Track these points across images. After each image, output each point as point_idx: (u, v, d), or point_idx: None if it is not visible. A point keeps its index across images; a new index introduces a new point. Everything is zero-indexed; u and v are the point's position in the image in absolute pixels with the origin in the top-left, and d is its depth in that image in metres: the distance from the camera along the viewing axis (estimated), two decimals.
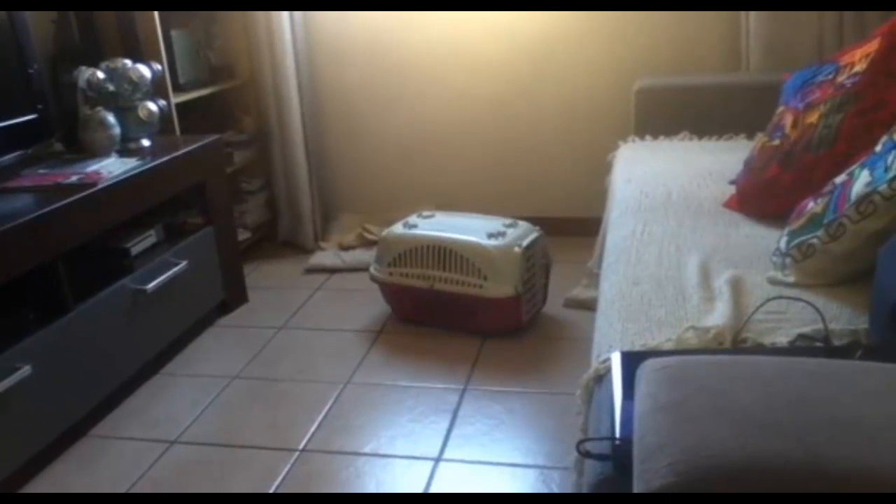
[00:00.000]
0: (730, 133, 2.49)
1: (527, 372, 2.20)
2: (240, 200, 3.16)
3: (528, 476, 1.76)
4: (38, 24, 2.36)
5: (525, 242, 2.35)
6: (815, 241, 1.39)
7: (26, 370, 1.77)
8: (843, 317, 1.27)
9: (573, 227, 3.12)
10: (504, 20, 3.03)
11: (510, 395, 2.09)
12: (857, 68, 1.65)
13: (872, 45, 1.65)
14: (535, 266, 2.40)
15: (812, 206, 1.46)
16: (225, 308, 2.67)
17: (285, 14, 3.00)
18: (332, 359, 2.35)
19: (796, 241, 1.43)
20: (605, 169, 2.55)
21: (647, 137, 2.57)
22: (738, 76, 2.73)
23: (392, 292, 2.53)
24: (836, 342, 1.18)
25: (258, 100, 3.18)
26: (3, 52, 2.10)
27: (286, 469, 1.84)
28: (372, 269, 2.54)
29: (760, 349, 1.19)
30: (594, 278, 2.43)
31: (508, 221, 2.47)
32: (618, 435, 0.99)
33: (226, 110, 3.19)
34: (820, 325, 1.21)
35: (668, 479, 0.69)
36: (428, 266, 2.39)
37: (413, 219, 2.57)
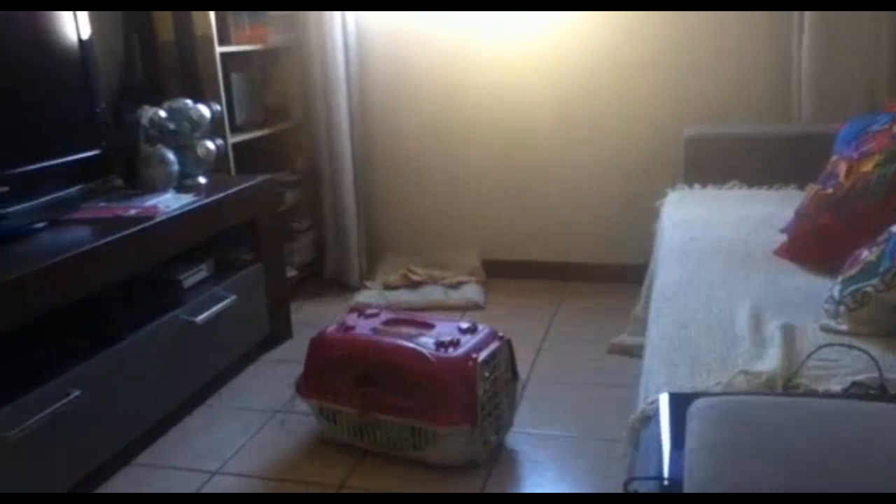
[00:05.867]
0: (780, 183, 2.47)
1: (570, 417, 2.17)
2: (289, 239, 3.22)
3: None
4: (106, 65, 2.47)
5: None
6: (869, 289, 1.36)
7: (76, 395, 1.80)
8: None
9: (618, 274, 3.10)
10: (555, 64, 3.07)
11: (552, 438, 2.07)
12: None
13: None
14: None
15: (866, 254, 1.44)
16: (270, 343, 2.70)
17: (340, 57, 3.08)
18: None
19: (850, 289, 1.41)
20: (651, 216, 2.54)
21: (696, 185, 2.56)
22: (789, 126, 2.72)
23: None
24: (893, 391, 1.15)
25: (311, 142, 3.25)
26: (74, 92, 2.20)
27: None
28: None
29: (813, 395, 1.16)
30: (640, 324, 2.40)
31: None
32: (666, 475, 0.98)
33: (279, 151, 3.27)
34: (875, 374, 1.19)
35: None
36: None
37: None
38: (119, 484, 1.96)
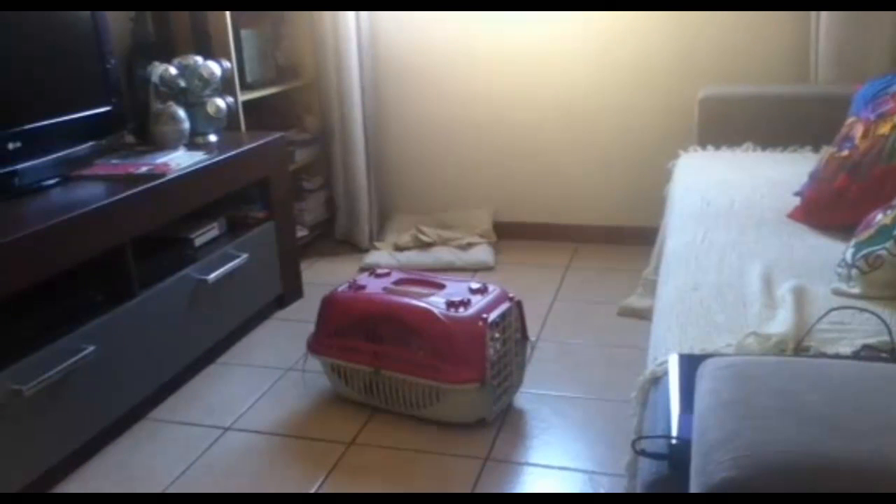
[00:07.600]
0: (795, 145, 2.44)
1: (579, 378, 2.19)
2: (300, 198, 3.22)
3: (576, 480, 1.76)
4: (117, 22, 2.45)
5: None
6: (883, 252, 1.36)
7: (91, 351, 1.83)
8: None
9: (630, 236, 3.09)
10: (567, 27, 3.02)
11: (561, 399, 2.08)
12: None
13: None
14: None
15: (881, 217, 1.43)
16: (281, 302, 2.72)
17: (351, 17, 3.05)
18: None
19: (863, 251, 1.40)
20: (664, 178, 2.53)
21: (710, 147, 2.54)
22: (805, 87, 2.68)
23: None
24: None
25: (321, 100, 3.23)
26: (85, 48, 2.18)
27: (336, 459, 1.86)
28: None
29: (823, 357, 1.16)
30: (650, 287, 2.41)
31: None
32: (674, 434, 0.98)
33: (290, 109, 3.26)
34: (886, 337, 1.19)
35: (730, 472, 0.69)
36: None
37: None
38: (133, 439, 1.99)
